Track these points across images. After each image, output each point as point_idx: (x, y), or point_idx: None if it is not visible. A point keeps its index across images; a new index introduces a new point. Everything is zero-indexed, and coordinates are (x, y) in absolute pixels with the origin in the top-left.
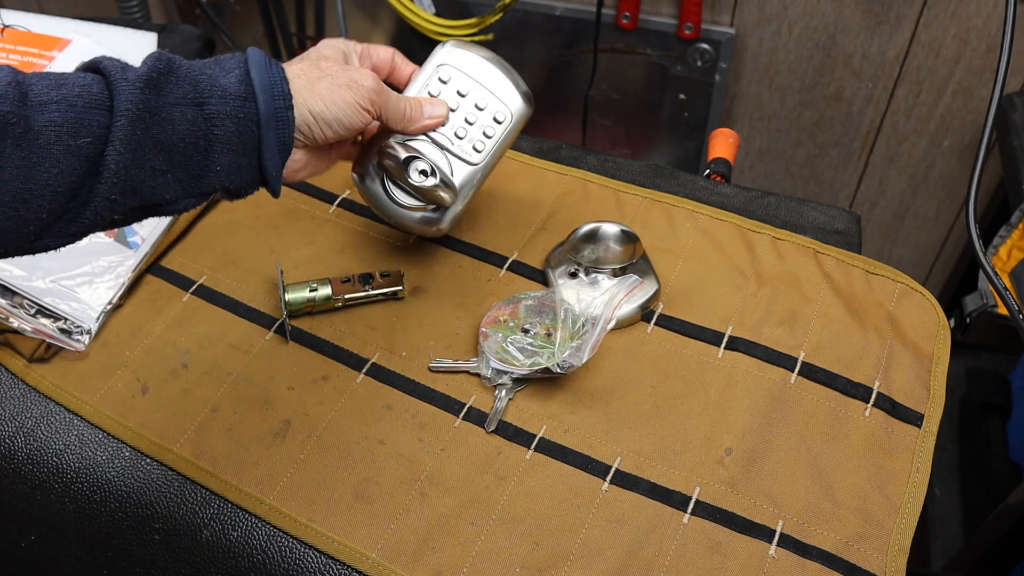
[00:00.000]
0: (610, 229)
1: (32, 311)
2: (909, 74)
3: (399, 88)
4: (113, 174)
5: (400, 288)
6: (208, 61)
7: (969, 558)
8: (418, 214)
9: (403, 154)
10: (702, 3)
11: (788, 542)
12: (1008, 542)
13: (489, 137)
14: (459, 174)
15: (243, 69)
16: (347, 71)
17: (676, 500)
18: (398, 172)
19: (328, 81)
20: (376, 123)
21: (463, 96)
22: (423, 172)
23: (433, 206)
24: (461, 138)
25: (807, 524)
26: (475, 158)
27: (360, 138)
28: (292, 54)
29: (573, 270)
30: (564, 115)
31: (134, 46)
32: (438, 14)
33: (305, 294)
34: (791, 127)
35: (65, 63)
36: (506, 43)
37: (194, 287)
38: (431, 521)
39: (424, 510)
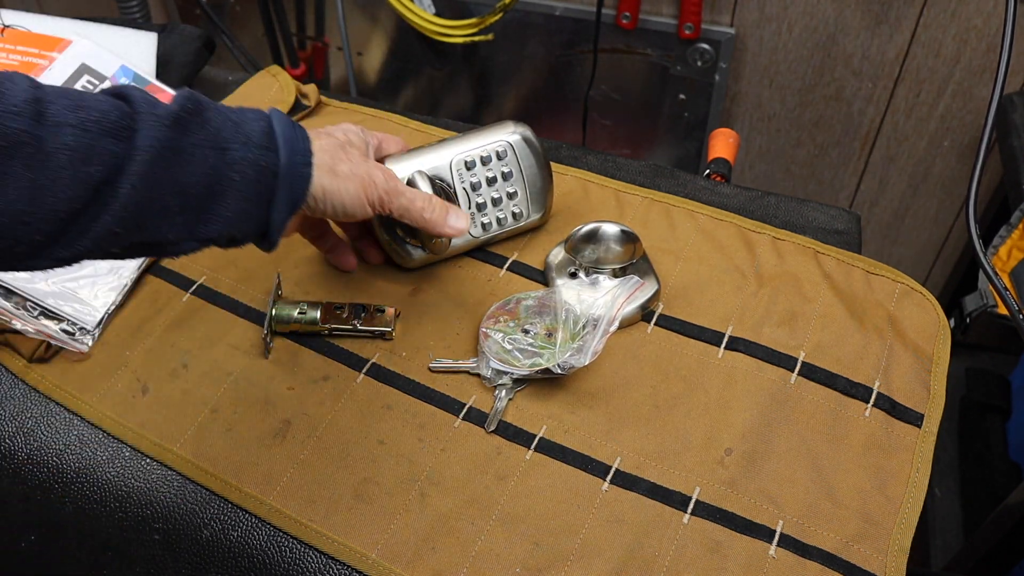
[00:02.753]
0: (610, 229)
1: (35, 313)
2: (909, 74)
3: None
4: (123, 207)
5: (389, 330)
6: (235, 108)
7: (969, 558)
8: (402, 245)
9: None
10: (702, 3)
11: (788, 542)
12: (1008, 542)
13: (500, 225)
14: (456, 241)
15: (267, 122)
16: (367, 164)
17: (676, 500)
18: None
19: (348, 167)
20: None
21: (504, 179)
22: None
23: (419, 244)
24: (478, 210)
25: (807, 524)
26: (476, 232)
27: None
28: (292, 54)
29: (573, 270)
30: (564, 115)
31: (134, 46)
32: (438, 14)
33: (293, 314)
34: (791, 127)
35: (65, 63)
36: (506, 43)
37: (194, 287)
38: (431, 521)
39: (424, 510)
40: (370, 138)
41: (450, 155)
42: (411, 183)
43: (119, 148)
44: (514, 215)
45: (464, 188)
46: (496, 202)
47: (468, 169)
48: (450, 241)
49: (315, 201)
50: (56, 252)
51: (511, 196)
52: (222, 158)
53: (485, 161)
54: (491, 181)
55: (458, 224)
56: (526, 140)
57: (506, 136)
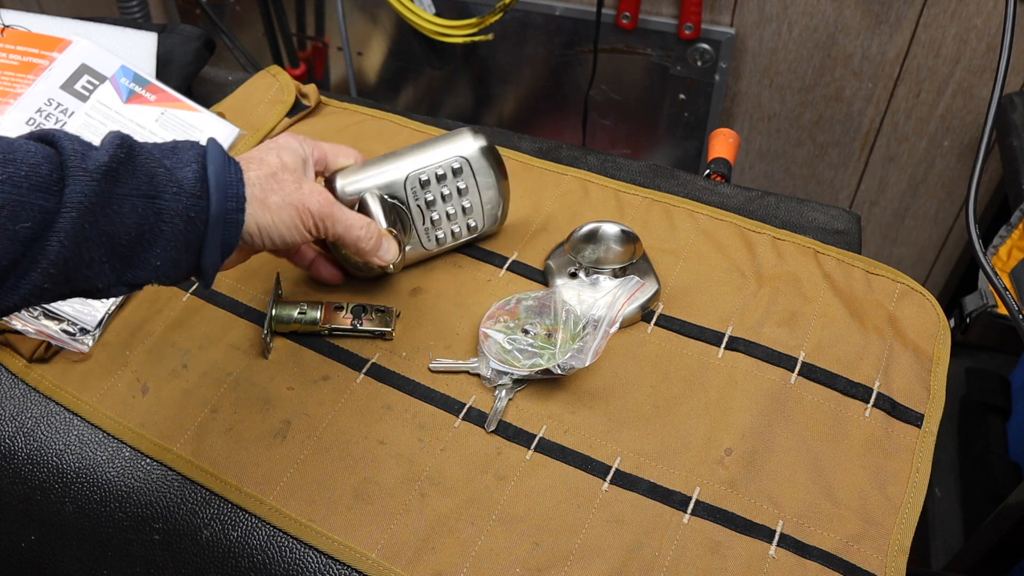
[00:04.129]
0: (610, 229)
1: (35, 313)
2: (909, 74)
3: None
4: (51, 264)
5: (389, 330)
6: (167, 147)
7: (969, 558)
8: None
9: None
10: (702, 3)
11: (788, 542)
12: (1008, 542)
13: (454, 238)
14: (411, 254)
15: (201, 164)
16: (300, 189)
17: (676, 500)
18: None
19: (280, 197)
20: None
21: (460, 194)
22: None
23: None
24: (432, 225)
25: (807, 524)
26: (431, 246)
27: None
28: (292, 54)
29: (573, 270)
30: (564, 115)
31: (134, 46)
32: (438, 14)
33: (293, 314)
34: (791, 127)
35: (65, 63)
36: (506, 43)
37: (194, 287)
38: (431, 521)
39: (424, 510)
40: (310, 152)
41: (404, 171)
42: (362, 204)
43: (48, 203)
44: (468, 227)
45: (418, 205)
46: (451, 217)
47: (423, 187)
48: (393, 269)
49: (251, 238)
50: None
51: (466, 211)
52: (152, 207)
53: (440, 178)
54: (446, 198)
55: (387, 256)
56: (484, 152)
57: (463, 150)
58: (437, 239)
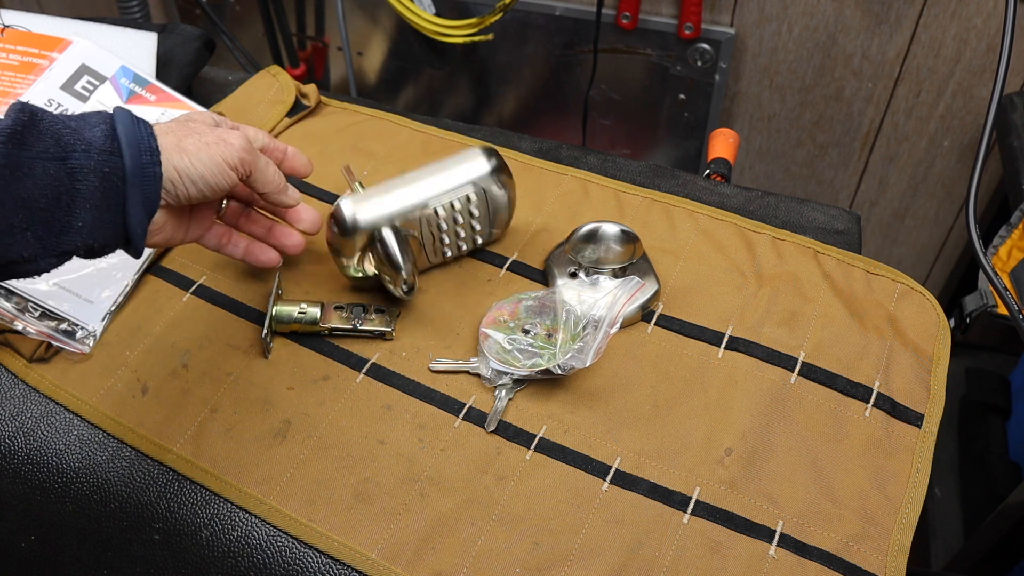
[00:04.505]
0: (610, 229)
1: (36, 313)
2: (909, 74)
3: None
4: None
5: (389, 330)
6: (74, 115)
7: (969, 558)
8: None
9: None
10: (702, 3)
11: (788, 542)
12: (1008, 542)
13: (459, 251)
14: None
15: (109, 124)
16: (216, 131)
17: (676, 500)
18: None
19: (196, 138)
20: (240, 185)
21: (472, 216)
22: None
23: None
24: (440, 244)
25: (807, 524)
26: (435, 260)
27: (223, 208)
28: (292, 54)
29: (573, 270)
30: (564, 115)
31: (134, 46)
32: (438, 14)
33: (293, 313)
34: (791, 127)
35: (65, 64)
36: (506, 43)
37: (194, 287)
38: (431, 521)
39: (424, 510)
40: (222, 119)
41: (417, 202)
42: (379, 237)
43: None
44: (476, 242)
45: (431, 232)
46: (461, 237)
47: (436, 215)
48: (410, 291)
49: (173, 186)
50: None
51: (476, 230)
52: (63, 168)
53: (453, 207)
54: (458, 222)
55: (291, 199)
56: (495, 173)
57: (476, 175)
58: (444, 255)
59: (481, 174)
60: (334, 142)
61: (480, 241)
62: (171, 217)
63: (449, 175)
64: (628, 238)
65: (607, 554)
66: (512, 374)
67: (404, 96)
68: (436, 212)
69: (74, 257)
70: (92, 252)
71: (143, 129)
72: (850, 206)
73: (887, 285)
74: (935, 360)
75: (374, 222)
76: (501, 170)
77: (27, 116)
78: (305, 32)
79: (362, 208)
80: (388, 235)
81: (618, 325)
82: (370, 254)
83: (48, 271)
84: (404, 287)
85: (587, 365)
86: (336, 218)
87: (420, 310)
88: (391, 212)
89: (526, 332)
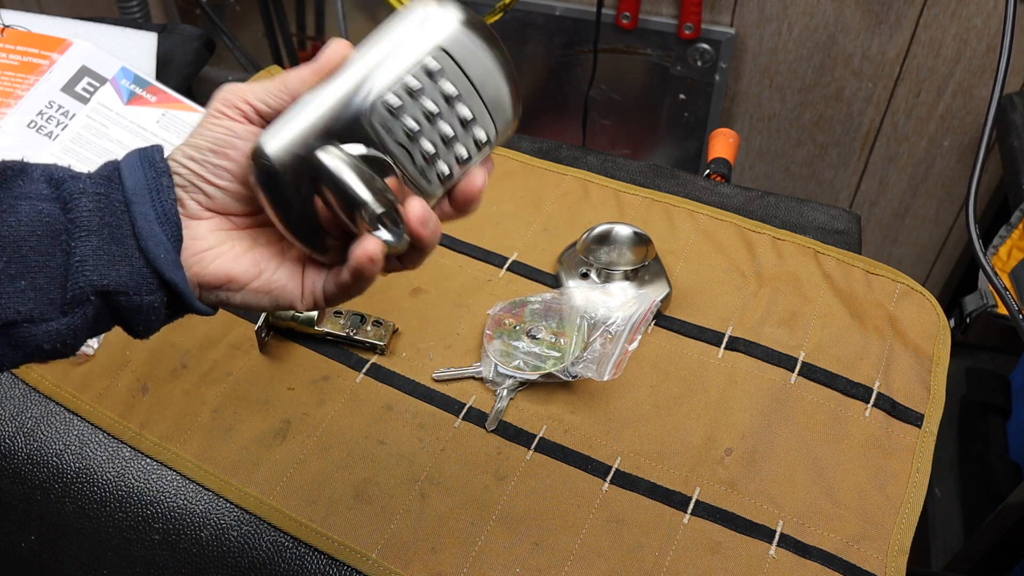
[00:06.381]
0: (623, 231)
1: None
2: (909, 74)
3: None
4: None
5: (383, 344)
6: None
7: (969, 558)
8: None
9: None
10: (702, 3)
11: (788, 542)
12: (1008, 542)
13: (461, 163)
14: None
15: (112, 164)
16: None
17: (676, 500)
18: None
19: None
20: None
21: (451, 102)
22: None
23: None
24: (426, 161)
25: (807, 524)
26: (435, 189)
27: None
28: (292, 54)
29: (585, 271)
30: (564, 115)
31: (134, 46)
32: None
33: (290, 311)
34: (791, 127)
35: (65, 66)
36: (506, 43)
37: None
38: (431, 521)
39: (424, 510)
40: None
41: (360, 100)
42: (321, 172)
43: None
44: (477, 143)
45: (398, 142)
46: (448, 141)
47: (395, 116)
48: (395, 225)
49: (193, 186)
50: None
51: (467, 123)
52: (55, 204)
53: (416, 92)
54: (432, 116)
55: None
56: (466, 27)
57: (435, 36)
58: (440, 177)
59: (443, 34)
60: None
61: (483, 139)
62: (255, 244)
63: (391, 47)
64: (641, 240)
65: (607, 554)
66: (516, 378)
67: None
68: (389, 105)
69: (94, 312)
70: (110, 297)
71: (148, 149)
72: (850, 206)
73: (887, 285)
74: (935, 360)
75: (299, 149)
76: (473, 23)
77: (18, 165)
78: (305, 32)
79: (281, 135)
80: (332, 162)
81: (636, 342)
82: (334, 212)
83: (66, 336)
84: (380, 223)
85: (604, 379)
86: (252, 170)
87: (420, 310)
88: (325, 122)
89: (531, 336)
